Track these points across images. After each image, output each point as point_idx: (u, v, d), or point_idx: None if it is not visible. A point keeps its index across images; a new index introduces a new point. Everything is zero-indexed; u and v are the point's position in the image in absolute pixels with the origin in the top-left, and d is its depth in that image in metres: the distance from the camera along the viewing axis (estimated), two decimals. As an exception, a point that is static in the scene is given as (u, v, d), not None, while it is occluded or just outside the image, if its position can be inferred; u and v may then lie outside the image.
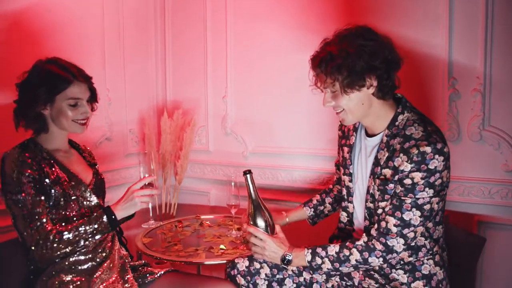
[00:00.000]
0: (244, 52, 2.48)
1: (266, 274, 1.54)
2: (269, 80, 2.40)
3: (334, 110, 1.47)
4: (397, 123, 1.42)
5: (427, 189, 1.32)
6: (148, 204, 1.51)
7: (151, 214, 1.77)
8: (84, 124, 1.53)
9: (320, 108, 2.15)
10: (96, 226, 1.41)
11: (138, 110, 2.62)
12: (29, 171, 1.38)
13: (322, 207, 1.80)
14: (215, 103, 2.61)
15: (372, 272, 1.48)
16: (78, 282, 1.42)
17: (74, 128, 1.51)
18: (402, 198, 1.34)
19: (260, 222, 1.51)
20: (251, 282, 1.53)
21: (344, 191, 1.60)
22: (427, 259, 1.41)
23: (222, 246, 1.78)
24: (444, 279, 1.43)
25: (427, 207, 1.34)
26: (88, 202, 1.51)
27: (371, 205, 1.46)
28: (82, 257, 1.46)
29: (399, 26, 1.95)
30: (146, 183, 1.52)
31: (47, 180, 1.42)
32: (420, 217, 1.34)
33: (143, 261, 1.66)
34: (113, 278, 1.48)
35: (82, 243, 1.40)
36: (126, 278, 1.51)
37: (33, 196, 1.38)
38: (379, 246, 1.38)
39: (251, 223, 1.51)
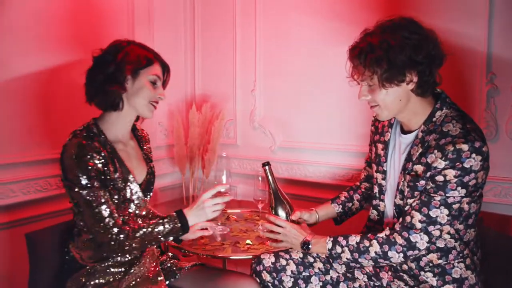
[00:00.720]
0: (273, 44, 2.45)
1: (292, 271, 1.53)
2: (299, 74, 2.36)
3: (368, 104, 1.42)
4: (434, 119, 1.36)
5: (459, 188, 1.27)
6: (219, 213, 1.50)
7: (219, 220, 1.76)
8: (155, 108, 1.53)
9: (351, 102, 2.14)
10: (170, 228, 1.41)
11: (167, 103, 2.63)
12: (95, 164, 1.36)
13: (350, 204, 1.76)
14: (244, 96, 2.59)
15: (401, 274, 1.45)
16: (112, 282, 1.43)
17: (146, 110, 1.50)
18: (432, 194, 1.30)
19: (281, 213, 1.56)
20: (277, 278, 1.52)
21: (376, 189, 1.56)
22: (458, 262, 1.36)
23: (248, 241, 1.78)
24: (477, 284, 1.38)
25: (456, 206, 1.29)
26: (136, 199, 1.51)
27: (400, 202, 1.42)
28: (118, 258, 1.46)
29: (433, 14, 1.85)
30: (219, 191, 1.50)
31: (109, 175, 1.41)
32: (447, 215, 1.29)
33: (171, 254, 1.68)
34: (143, 278, 1.46)
35: (153, 243, 1.41)
36: (157, 281, 1.49)
37: (100, 189, 1.36)
38: (400, 240, 1.34)
39: (273, 213, 1.57)
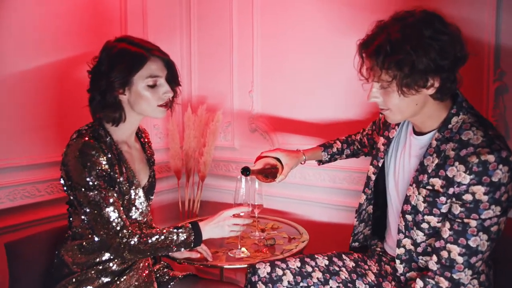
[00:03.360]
0: (271, 44, 2.36)
1: (289, 282, 1.44)
2: (298, 74, 2.27)
3: (377, 106, 1.27)
4: (450, 125, 1.21)
5: (493, 206, 1.11)
6: (236, 233, 1.45)
7: (239, 245, 1.68)
8: (166, 107, 1.40)
9: (353, 103, 2.06)
10: (183, 239, 1.35)
11: (162, 105, 2.56)
12: (102, 164, 1.28)
13: (338, 156, 1.78)
14: (241, 98, 2.51)
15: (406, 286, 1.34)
16: None
17: (155, 114, 1.39)
18: (465, 221, 1.13)
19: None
20: (273, 289, 1.43)
21: (365, 180, 1.48)
22: (471, 279, 1.21)
23: (243, 249, 1.68)
24: None
25: (494, 229, 1.13)
26: (139, 204, 1.43)
27: (409, 217, 1.28)
28: (111, 264, 1.38)
29: None
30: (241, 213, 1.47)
31: (115, 177, 1.33)
32: (487, 241, 1.13)
33: (165, 263, 1.59)
34: (134, 286, 1.39)
35: (163, 251, 1.34)
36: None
37: (107, 190, 1.29)
38: (445, 284, 1.17)
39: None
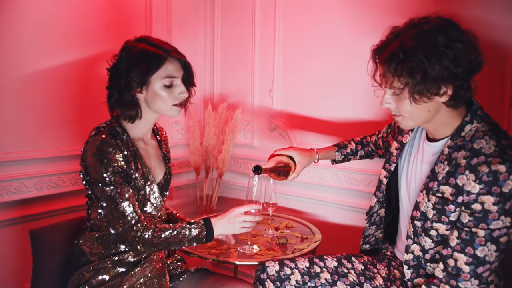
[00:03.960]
0: (292, 44, 2.37)
1: (296, 281, 1.46)
2: (318, 74, 2.28)
3: (390, 112, 1.27)
4: (463, 133, 1.20)
5: (502, 217, 1.09)
6: (247, 230, 1.48)
7: (249, 242, 1.73)
8: (181, 106, 1.45)
9: (372, 105, 2.05)
10: (195, 234, 1.40)
11: (184, 102, 2.62)
12: (118, 161, 1.33)
13: (352, 157, 1.80)
14: (261, 96, 2.54)
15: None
16: (115, 279, 1.41)
17: (171, 112, 1.43)
18: (473, 230, 1.12)
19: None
20: (281, 287, 1.46)
21: (377, 184, 1.50)
22: None
23: (255, 247, 1.72)
24: None
25: (504, 239, 1.11)
26: (153, 199, 1.48)
27: (418, 223, 1.28)
28: (126, 255, 1.44)
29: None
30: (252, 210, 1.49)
31: (131, 173, 1.39)
32: (495, 251, 1.12)
33: (179, 257, 1.65)
34: (148, 277, 1.45)
35: (176, 246, 1.39)
36: (162, 281, 1.47)
37: (123, 185, 1.34)
38: None
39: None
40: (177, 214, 1.69)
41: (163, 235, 1.37)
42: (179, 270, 1.57)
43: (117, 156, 1.34)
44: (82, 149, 1.38)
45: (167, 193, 1.61)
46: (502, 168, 1.08)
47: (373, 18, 2.02)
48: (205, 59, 2.73)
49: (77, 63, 2.02)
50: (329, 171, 2.26)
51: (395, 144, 1.47)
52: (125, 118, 1.42)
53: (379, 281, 1.47)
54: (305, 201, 2.39)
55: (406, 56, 1.12)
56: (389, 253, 1.56)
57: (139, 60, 1.36)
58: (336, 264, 1.51)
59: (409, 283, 1.34)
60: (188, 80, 1.48)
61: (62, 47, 1.98)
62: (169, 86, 1.41)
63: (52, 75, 1.95)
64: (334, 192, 2.26)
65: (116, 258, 1.41)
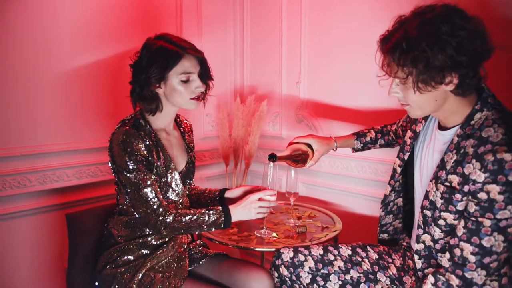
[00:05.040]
0: (318, 37, 2.39)
1: (310, 268, 1.51)
2: (344, 67, 2.28)
3: (398, 101, 1.30)
4: (472, 122, 1.19)
5: (509, 207, 1.08)
6: (263, 215, 1.56)
7: (265, 224, 1.83)
8: (198, 100, 1.54)
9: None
10: (214, 219, 1.49)
11: (215, 95, 2.69)
12: (141, 150, 1.44)
13: (371, 145, 1.81)
14: (289, 88, 2.57)
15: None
16: (139, 259, 1.52)
17: (188, 105, 1.53)
18: (479, 219, 1.11)
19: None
20: (294, 273, 1.51)
21: (391, 172, 1.51)
22: (490, 280, 1.18)
23: (274, 234, 1.78)
24: None
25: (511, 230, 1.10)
26: (175, 186, 1.58)
27: (428, 212, 1.28)
28: (149, 238, 1.55)
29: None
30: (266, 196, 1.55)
31: (153, 161, 1.49)
32: (503, 242, 1.10)
33: (202, 242, 1.75)
34: (169, 259, 1.55)
35: (196, 230, 1.49)
36: (181, 264, 1.57)
37: (145, 173, 1.44)
38: (455, 281, 1.17)
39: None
40: (206, 189, 1.79)
41: (183, 220, 1.47)
42: (200, 254, 1.66)
43: (139, 145, 1.45)
44: (109, 140, 1.50)
45: (190, 182, 1.71)
46: (508, 156, 1.07)
47: (398, 10, 1.98)
48: (235, 53, 2.80)
49: (110, 60, 2.16)
50: (354, 162, 2.27)
51: (409, 133, 1.47)
52: (146, 111, 1.53)
53: (393, 270, 1.48)
54: (331, 192, 2.41)
55: (409, 45, 1.12)
56: (405, 244, 1.56)
57: (157, 57, 1.45)
58: (350, 252, 1.54)
59: (419, 273, 1.35)
60: (205, 74, 1.57)
61: (95, 45, 2.12)
62: (186, 81, 1.49)
63: (87, 72, 2.10)
64: (359, 183, 2.27)
65: (141, 240, 1.53)
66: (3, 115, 1.87)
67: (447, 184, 1.21)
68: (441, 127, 1.32)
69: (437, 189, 1.24)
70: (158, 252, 1.53)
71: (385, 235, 1.63)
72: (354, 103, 2.25)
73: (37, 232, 2.04)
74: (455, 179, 1.19)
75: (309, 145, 1.71)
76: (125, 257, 1.52)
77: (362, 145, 1.81)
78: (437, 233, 1.26)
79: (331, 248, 1.55)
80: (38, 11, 1.92)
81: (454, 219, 1.21)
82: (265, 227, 1.82)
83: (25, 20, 1.89)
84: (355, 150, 1.84)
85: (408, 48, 1.13)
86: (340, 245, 1.57)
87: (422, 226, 1.32)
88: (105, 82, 2.17)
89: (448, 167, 1.21)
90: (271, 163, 1.59)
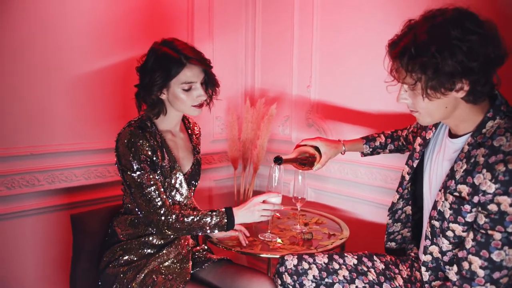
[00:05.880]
0: (330, 41, 2.36)
1: (314, 276, 1.48)
2: (355, 70, 2.25)
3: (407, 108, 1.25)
4: (484, 130, 1.15)
5: None
6: (267, 218, 1.55)
7: (269, 228, 1.81)
8: (200, 107, 1.54)
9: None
10: (216, 221, 1.48)
11: (225, 97, 2.69)
12: (145, 150, 1.45)
13: (380, 150, 1.76)
14: (299, 92, 2.55)
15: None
16: (141, 259, 1.52)
17: (191, 112, 1.54)
18: (489, 232, 1.07)
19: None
20: (298, 281, 1.48)
21: (399, 179, 1.47)
22: None
23: (279, 240, 1.75)
24: None
25: None
26: (180, 187, 1.57)
27: (436, 223, 1.24)
28: (151, 238, 1.55)
29: None
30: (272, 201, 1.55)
31: (158, 161, 1.50)
32: None
33: (206, 247, 1.73)
34: (171, 261, 1.55)
35: (199, 231, 1.48)
36: (184, 266, 1.55)
37: (150, 173, 1.45)
38: None
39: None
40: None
41: (186, 220, 1.46)
42: (203, 258, 1.65)
43: (144, 146, 1.45)
44: (115, 140, 1.50)
45: (196, 183, 1.70)
46: None
47: (410, 13, 1.94)
48: (246, 56, 2.79)
49: (120, 64, 2.17)
50: (364, 168, 2.23)
51: (418, 140, 1.43)
52: (149, 114, 1.53)
53: (399, 281, 1.44)
54: (339, 198, 2.37)
55: (418, 50, 1.08)
56: (413, 254, 1.52)
57: (160, 65, 1.46)
58: (356, 261, 1.50)
59: (426, 285, 1.31)
60: (210, 81, 1.57)
61: (106, 49, 2.12)
62: (188, 90, 1.50)
63: (99, 75, 2.11)
64: (368, 190, 2.23)
65: (143, 239, 1.53)
66: (13, 114, 1.89)
67: (456, 194, 1.17)
68: (452, 135, 1.28)
69: (446, 199, 1.20)
70: (161, 253, 1.52)
71: (393, 244, 1.59)
72: (365, 107, 2.21)
73: (43, 231, 2.05)
74: (464, 189, 1.15)
75: (316, 148, 1.68)
76: (128, 257, 1.52)
77: (371, 149, 1.77)
78: (445, 244, 1.22)
79: (336, 257, 1.52)
80: (49, 14, 1.94)
81: (463, 231, 1.16)
82: (269, 231, 1.80)
83: (37, 23, 1.90)
84: (363, 154, 1.80)
85: (416, 53, 1.09)
86: (345, 254, 1.53)
87: (430, 237, 1.27)
88: (115, 85, 2.17)
89: (457, 177, 1.17)
90: (277, 166, 1.57)
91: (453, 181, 1.18)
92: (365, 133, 2.21)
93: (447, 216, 1.20)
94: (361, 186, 2.26)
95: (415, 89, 1.15)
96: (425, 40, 1.08)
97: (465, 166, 1.16)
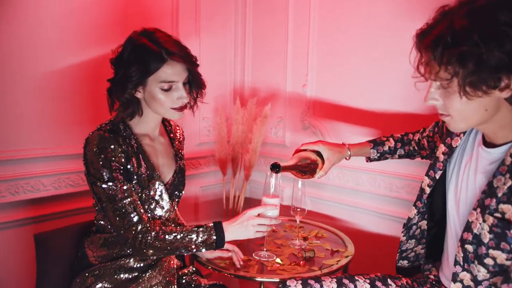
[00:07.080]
0: (328, 38, 2.17)
1: (321, 305, 1.27)
2: (354, 69, 2.06)
3: (436, 109, 1.05)
4: None
5: None
6: (262, 234, 1.35)
7: (265, 246, 1.59)
8: (181, 110, 1.33)
9: (413, 104, 1.81)
10: (204, 238, 1.27)
11: (213, 97, 2.47)
12: (117, 157, 1.25)
13: (389, 155, 1.57)
14: (294, 92, 2.35)
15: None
16: None
17: (170, 114, 1.33)
18: None
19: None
20: (303, 311, 1.28)
21: (418, 192, 1.27)
22: None
23: (278, 260, 1.54)
24: None
25: None
26: (160, 199, 1.36)
27: (470, 247, 1.06)
28: (128, 260, 1.33)
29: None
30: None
31: (133, 169, 1.29)
32: None
33: (194, 268, 1.51)
34: (156, 285, 1.33)
35: (182, 250, 1.27)
36: None
37: (123, 183, 1.24)
38: None
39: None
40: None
41: (168, 238, 1.25)
42: (193, 284, 1.43)
43: (115, 152, 1.24)
44: (83, 146, 1.28)
45: (180, 194, 1.48)
46: None
47: (411, 12, 1.76)
48: (235, 52, 2.58)
49: (93, 61, 1.92)
50: (367, 175, 2.04)
51: (442, 148, 1.24)
52: (121, 114, 1.31)
53: (416, 308, 1.25)
54: (339, 207, 2.18)
55: (456, 38, 0.89)
56: (432, 277, 1.33)
57: (137, 58, 1.24)
58: (368, 286, 1.31)
59: (455, 317, 1.12)
60: (194, 82, 1.35)
61: (78, 46, 1.87)
62: (167, 90, 1.28)
63: (67, 74, 1.86)
64: (371, 199, 2.04)
65: (118, 262, 1.31)
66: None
67: (498, 215, 0.98)
68: (487, 143, 1.09)
69: (484, 221, 1.01)
70: (141, 279, 1.30)
71: (405, 262, 1.41)
72: (366, 108, 2.03)
73: (4, 250, 1.77)
74: (509, 210, 0.96)
75: (318, 153, 1.47)
76: (101, 285, 1.29)
77: (379, 154, 1.58)
78: (482, 273, 1.03)
79: (346, 281, 1.32)
80: (7, 3, 1.68)
81: (507, 259, 0.98)
82: (265, 249, 1.59)
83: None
84: (370, 159, 1.61)
85: (454, 42, 0.89)
86: (356, 277, 1.33)
87: (461, 263, 1.08)
88: (87, 85, 1.91)
89: (499, 195, 0.98)
90: (274, 174, 1.36)
91: (494, 200, 0.99)
92: (367, 134, 2.02)
93: (485, 240, 1.01)
94: (363, 194, 2.07)
95: (450, 86, 0.96)
96: (465, 26, 0.89)
97: (509, 183, 0.97)
